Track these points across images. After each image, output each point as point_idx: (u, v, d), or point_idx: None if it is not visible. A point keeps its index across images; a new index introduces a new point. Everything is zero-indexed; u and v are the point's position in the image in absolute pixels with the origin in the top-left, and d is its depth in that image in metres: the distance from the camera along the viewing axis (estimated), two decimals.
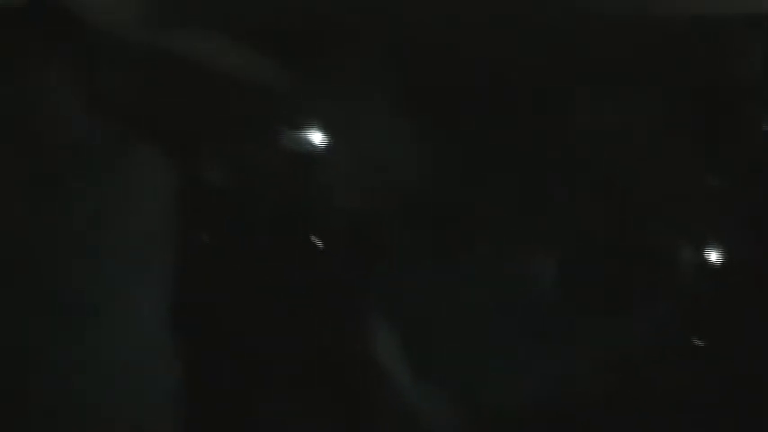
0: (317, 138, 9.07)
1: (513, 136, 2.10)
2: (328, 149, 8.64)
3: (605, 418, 2.36)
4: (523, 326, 1.97)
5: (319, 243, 6.68)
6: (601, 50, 6.91)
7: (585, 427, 2.42)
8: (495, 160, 2.12)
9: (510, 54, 6.08)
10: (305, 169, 7.83)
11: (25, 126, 1.91)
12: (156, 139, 2.29)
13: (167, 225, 1.99)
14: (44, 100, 1.90)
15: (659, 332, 2.30)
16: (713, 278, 3.00)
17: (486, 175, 2.13)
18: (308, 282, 5.96)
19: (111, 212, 1.86)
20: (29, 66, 1.87)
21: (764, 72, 3.78)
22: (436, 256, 2.06)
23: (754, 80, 3.75)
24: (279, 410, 4.05)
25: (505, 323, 1.98)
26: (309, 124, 9.14)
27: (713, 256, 3.07)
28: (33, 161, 1.94)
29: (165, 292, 2.05)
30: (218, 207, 5.99)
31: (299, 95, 8.91)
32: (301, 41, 7.62)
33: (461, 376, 2.23)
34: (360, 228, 6.75)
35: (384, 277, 2.27)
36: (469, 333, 2.01)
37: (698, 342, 2.46)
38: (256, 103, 8.21)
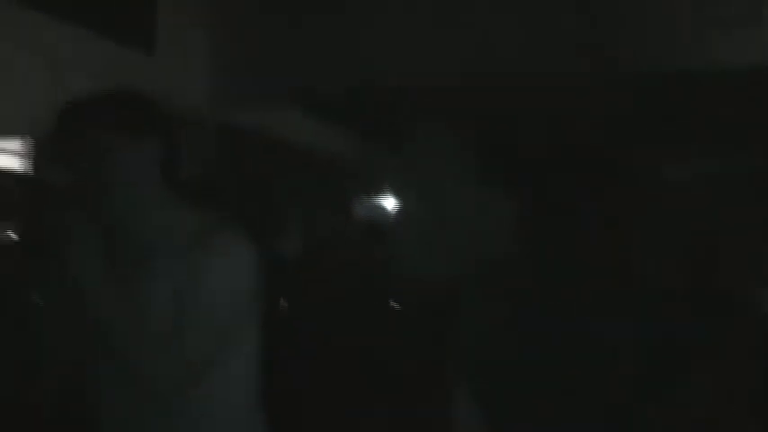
0: (394, 207, 9.09)
1: (595, 201, 2.06)
2: (406, 218, 8.66)
3: None
4: (608, 400, 1.91)
5: (397, 306, 6.69)
6: (684, 108, 6.84)
7: None
8: (575, 226, 2.08)
9: (591, 118, 6.05)
10: (382, 238, 7.86)
11: (112, 211, 1.94)
12: (237, 216, 2.31)
13: (251, 301, 2.00)
14: (129, 186, 1.93)
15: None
16: None
17: (568, 240, 2.09)
18: (388, 349, 5.96)
19: (195, 293, 1.88)
20: (113, 154, 1.90)
21: None
22: (512, 325, 2.02)
23: None
24: None
25: (589, 396, 1.92)
26: (386, 194, 9.18)
27: None
28: (120, 244, 1.97)
29: (251, 370, 2.05)
30: (298, 278, 6.05)
31: (375, 167, 8.98)
32: (376, 114, 7.70)
33: None
34: (438, 295, 6.72)
35: (462, 345, 2.22)
36: (552, 405, 1.96)
37: None
38: (334, 175, 8.31)
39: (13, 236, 6.29)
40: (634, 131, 6.81)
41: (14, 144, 10.22)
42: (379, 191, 9.10)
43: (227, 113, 6.13)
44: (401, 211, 8.73)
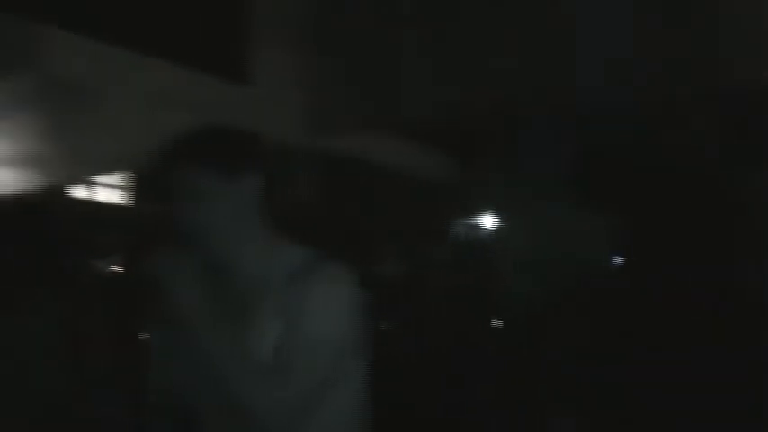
0: (491, 226, 9.04)
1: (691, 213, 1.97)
2: (502, 236, 8.60)
3: None
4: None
5: (498, 324, 6.64)
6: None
7: None
8: (672, 240, 1.99)
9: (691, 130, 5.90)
10: (482, 258, 7.81)
11: (214, 248, 1.94)
12: (338, 244, 2.29)
13: (358, 331, 1.97)
14: (230, 223, 1.93)
15: None
16: None
17: (665, 254, 2.00)
18: (491, 367, 5.90)
19: (302, 326, 1.85)
20: (213, 192, 1.90)
21: None
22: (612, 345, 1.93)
23: None
24: None
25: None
26: (482, 213, 9.14)
27: None
28: (223, 280, 1.96)
29: (358, 398, 2.02)
30: (397, 299, 6.05)
31: (470, 187, 8.95)
32: (469, 135, 7.68)
33: None
34: (537, 311, 6.66)
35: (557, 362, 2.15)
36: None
37: None
38: (432, 198, 8.31)
39: (117, 270, 6.44)
40: (732, 145, 6.64)
41: (116, 180, 10.51)
42: (477, 212, 9.06)
43: (324, 141, 6.16)
44: (499, 231, 8.68)
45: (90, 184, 9.57)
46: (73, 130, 7.44)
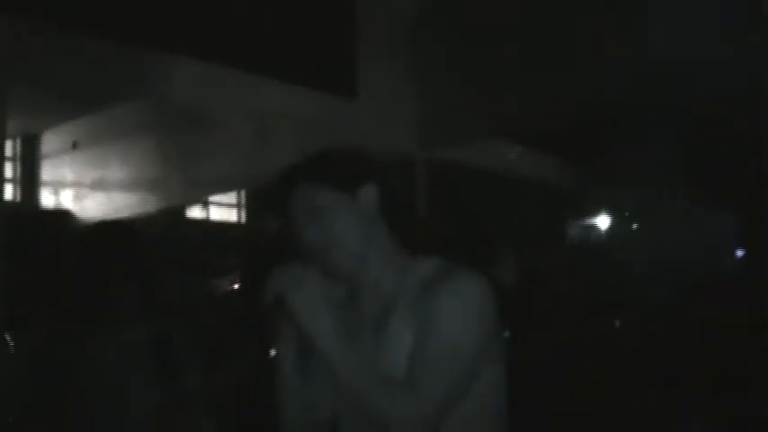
0: (610, 229, 8.89)
1: None
2: (622, 238, 8.45)
3: None
4: None
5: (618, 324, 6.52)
6: None
7: None
8: None
9: None
10: (600, 260, 7.69)
11: (340, 265, 1.94)
12: (459, 253, 2.26)
13: (492, 340, 1.95)
14: (355, 240, 1.93)
15: None
16: None
17: None
18: (614, 371, 5.80)
19: (436, 337, 1.84)
20: (335, 211, 1.92)
21: None
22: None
23: None
24: None
25: None
26: (601, 217, 8.99)
27: None
28: (352, 297, 1.98)
29: (493, 408, 2.00)
30: (519, 308, 5.99)
31: (589, 192, 8.82)
32: (585, 140, 7.58)
33: None
34: (659, 310, 6.52)
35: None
36: None
37: None
38: (549, 203, 8.24)
39: (236, 287, 6.55)
40: None
41: (230, 198, 10.75)
42: (593, 215, 8.95)
43: (436, 151, 6.16)
44: (616, 234, 8.54)
45: (206, 204, 9.81)
46: (189, 152, 7.64)
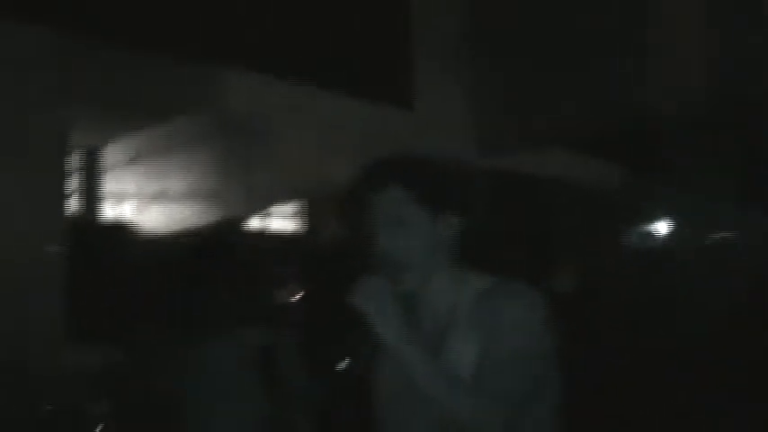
0: (663, 233, 8.78)
1: None
2: (676, 243, 8.33)
3: None
4: None
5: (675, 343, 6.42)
6: None
7: None
8: None
9: None
10: (654, 265, 7.59)
11: (410, 277, 1.95)
12: (514, 261, 2.27)
13: (550, 350, 1.94)
14: (426, 252, 1.94)
15: None
16: None
17: None
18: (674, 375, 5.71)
19: (498, 349, 1.84)
20: (412, 222, 1.92)
21: None
22: None
23: None
24: None
25: None
26: (653, 222, 8.89)
27: None
28: (419, 307, 1.99)
29: (550, 417, 1.99)
30: (579, 311, 5.94)
31: (640, 195, 8.73)
32: (638, 143, 7.50)
33: None
34: (718, 316, 6.41)
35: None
36: None
37: None
38: (601, 207, 8.15)
39: (298, 298, 6.59)
40: None
41: (291, 209, 10.80)
42: (651, 220, 8.83)
43: (493, 159, 6.14)
44: (675, 238, 8.43)
45: (266, 215, 9.87)
46: (248, 163, 7.70)
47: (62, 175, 3.56)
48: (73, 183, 9.42)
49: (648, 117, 6.00)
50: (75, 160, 9.44)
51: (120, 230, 7.86)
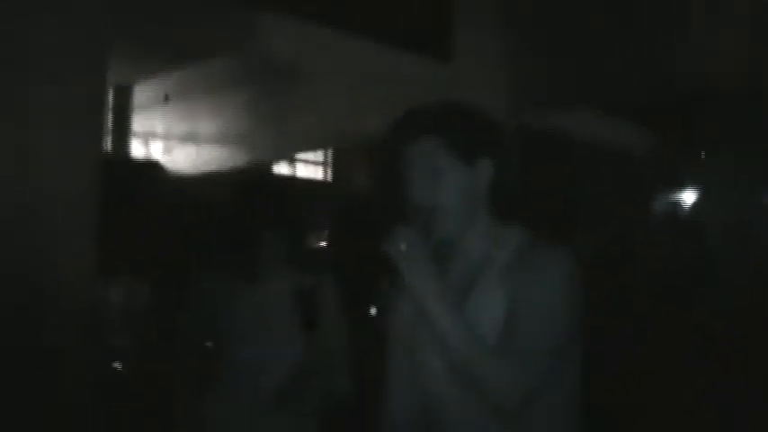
0: (692, 202, 8.72)
1: None
2: (704, 214, 8.28)
3: None
4: None
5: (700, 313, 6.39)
6: None
7: None
8: None
9: None
10: (683, 235, 7.54)
11: (444, 226, 1.94)
12: (549, 223, 2.25)
13: (579, 313, 1.93)
14: (461, 204, 1.93)
15: None
16: None
17: None
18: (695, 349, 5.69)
19: (526, 306, 1.83)
20: (451, 172, 1.91)
21: None
22: None
23: None
24: None
25: None
26: (685, 190, 8.82)
27: None
28: (449, 258, 1.97)
29: (575, 387, 1.97)
30: (613, 281, 5.91)
31: (675, 164, 8.65)
32: (671, 112, 7.42)
33: None
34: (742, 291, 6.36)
35: None
36: None
37: None
38: (634, 174, 8.10)
39: (324, 245, 6.61)
40: None
41: (318, 156, 10.81)
42: (681, 190, 8.76)
43: (530, 118, 6.10)
44: (705, 210, 8.35)
45: (293, 160, 9.89)
46: (279, 108, 7.69)
47: (97, 112, 3.55)
48: (105, 120, 9.49)
49: (687, 88, 5.93)
50: (107, 97, 9.50)
51: (152, 168, 7.88)
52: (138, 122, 9.68)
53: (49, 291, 3.02)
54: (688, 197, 9.49)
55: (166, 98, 9.09)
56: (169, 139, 9.19)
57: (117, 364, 4.03)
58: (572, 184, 7.08)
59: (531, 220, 2.05)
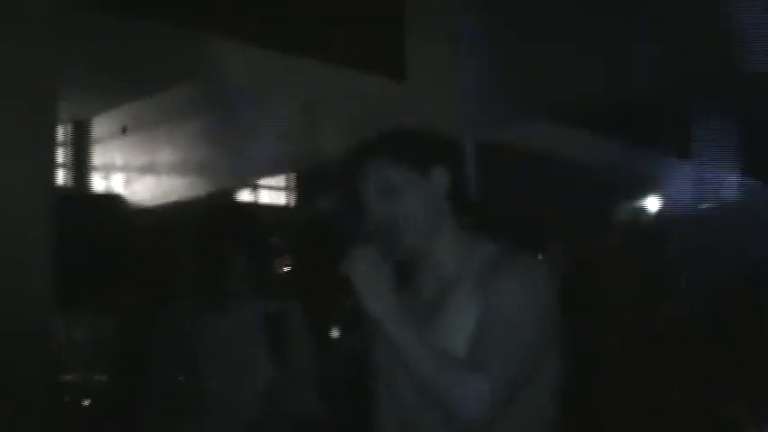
0: (668, 210, 8.77)
1: None
2: (681, 221, 8.34)
3: None
4: None
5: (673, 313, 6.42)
6: None
7: None
8: None
9: None
10: (655, 243, 7.59)
11: (405, 246, 1.95)
12: (517, 236, 2.26)
13: (553, 325, 1.93)
14: (421, 220, 1.94)
15: None
16: None
17: None
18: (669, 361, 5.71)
19: (498, 319, 1.83)
20: (406, 191, 1.93)
21: None
22: None
23: None
24: None
25: None
26: (653, 197, 8.87)
27: None
28: (414, 276, 1.98)
29: (550, 398, 1.97)
30: (572, 292, 5.93)
31: (643, 170, 8.70)
32: (641, 118, 7.49)
33: None
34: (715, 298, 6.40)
35: None
36: None
37: None
38: (600, 183, 8.16)
39: (289, 270, 6.58)
40: None
41: (279, 181, 10.77)
42: (647, 196, 8.85)
43: (485, 132, 6.12)
44: (680, 215, 8.41)
45: (255, 187, 9.85)
46: (238, 135, 7.67)
47: (51, 147, 3.52)
48: (62, 154, 9.40)
49: (642, 93, 5.99)
50: (64, 132, 9.42)
51: (110, 202, 7.82)
52: (98, 155, 9.61)
53: (3, 327, 2.98)
54: (653, 203, 9.60)
55: (124, 130, 9.04)
56: (129, 170, 9.13)
57: (77, 400, 3.97)
58: (534, 195, 7.13)
59: (500, 231, 2.06)
